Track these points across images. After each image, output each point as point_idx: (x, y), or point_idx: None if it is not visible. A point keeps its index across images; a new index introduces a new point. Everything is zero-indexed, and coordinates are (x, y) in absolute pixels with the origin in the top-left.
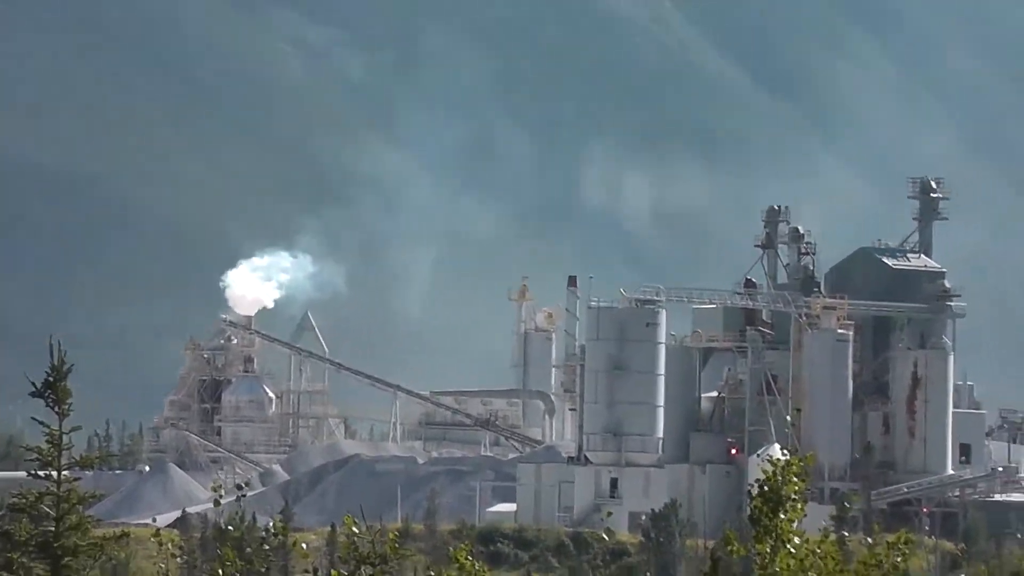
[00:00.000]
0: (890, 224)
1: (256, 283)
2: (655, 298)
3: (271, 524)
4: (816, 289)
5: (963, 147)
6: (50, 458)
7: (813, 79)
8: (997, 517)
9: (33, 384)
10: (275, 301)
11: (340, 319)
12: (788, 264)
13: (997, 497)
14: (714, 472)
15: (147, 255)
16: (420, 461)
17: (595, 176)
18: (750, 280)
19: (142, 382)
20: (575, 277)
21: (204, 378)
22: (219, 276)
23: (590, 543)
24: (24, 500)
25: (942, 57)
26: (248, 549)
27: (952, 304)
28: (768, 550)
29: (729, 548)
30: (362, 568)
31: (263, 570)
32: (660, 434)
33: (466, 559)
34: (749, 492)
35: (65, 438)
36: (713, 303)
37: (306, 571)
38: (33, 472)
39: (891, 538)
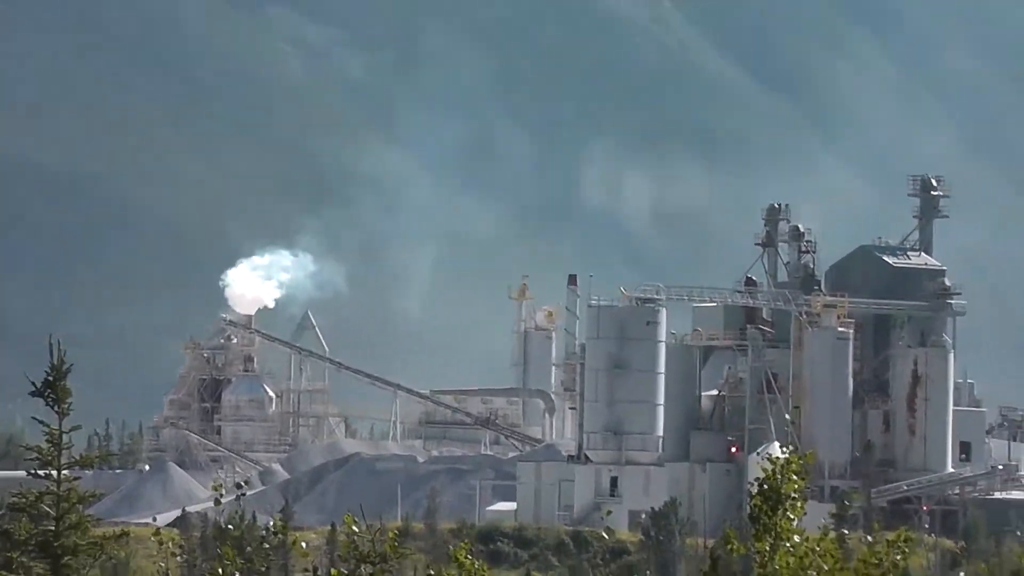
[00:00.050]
0: (890, 222)
1: (256, 282)
2: (655, 296)
3: (271, 523)
4: (816, 287)
5: (963, 146)
6: (50, 457)
7: (813, 79)
8: (997, 515)
9: (33, 383)
10: (275, 300)
11: (340, 318)
12: (788, 262)
13: (997, 495)
14: (714, 471)
15: (147, 255)
16: (420, 460)
17: (595, 176)
18: (750, 278)
19: (142, 382)
20: (575, 276)
21: (204, 377)
22: (219, 275)
23: (590, 542)
24: (24, 499)
25: (942, 57)
26: (248, 548)
27: (952, 302)
28: (768, 548)
29: (729, 546)
30: (362, 567)
31: (263, 569)
32: (660, 433)
33: (466, 558)
34: (749, 490)
35: (65, 437)
36: (713, 301)
37: (306, 570)
38: (33, 471)
39: (891, 536)
